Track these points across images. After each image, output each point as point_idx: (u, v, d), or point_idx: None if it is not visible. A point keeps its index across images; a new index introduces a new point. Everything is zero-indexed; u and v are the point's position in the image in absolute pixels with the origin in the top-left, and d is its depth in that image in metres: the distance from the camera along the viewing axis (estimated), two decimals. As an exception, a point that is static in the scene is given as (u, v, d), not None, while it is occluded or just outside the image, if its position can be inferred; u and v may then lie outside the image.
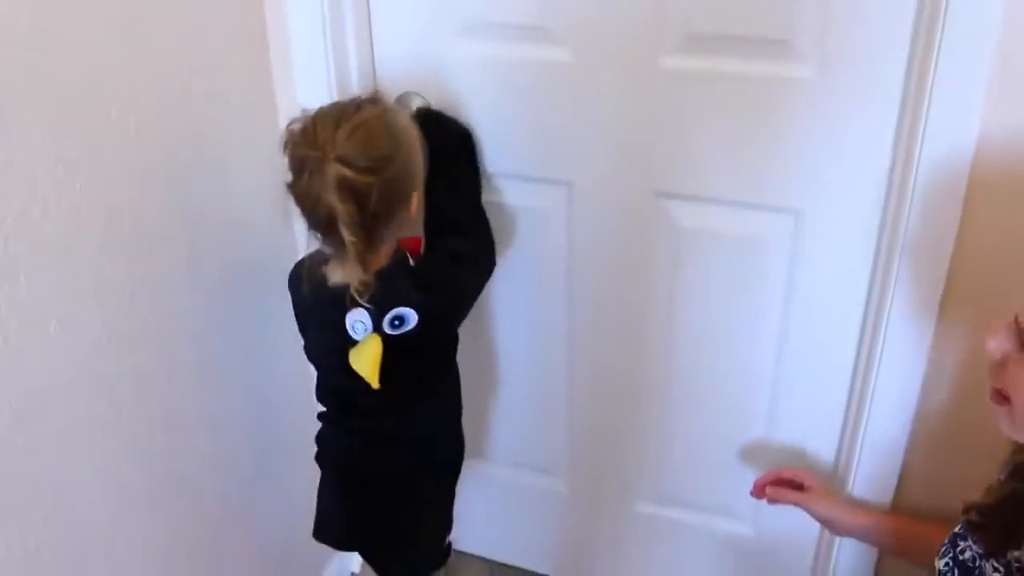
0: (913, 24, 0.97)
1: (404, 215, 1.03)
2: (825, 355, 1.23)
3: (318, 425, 1.23)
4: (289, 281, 1.16)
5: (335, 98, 1.15)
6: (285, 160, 1.00)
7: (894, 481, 1.20)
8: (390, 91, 1.22)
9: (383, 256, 1.06)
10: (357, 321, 1.07)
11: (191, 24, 1.07)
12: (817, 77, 1.04)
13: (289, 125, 1.00)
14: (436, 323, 1.11)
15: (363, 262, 0.99)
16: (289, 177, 1.00)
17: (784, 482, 1.20)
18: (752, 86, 1.08)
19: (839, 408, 1.25)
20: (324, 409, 1.22)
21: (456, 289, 1.15)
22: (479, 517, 1.58)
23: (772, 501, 1.19)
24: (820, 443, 1.30)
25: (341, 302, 1.04)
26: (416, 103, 1.23)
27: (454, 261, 1.13)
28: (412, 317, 1.07)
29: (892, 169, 1.06)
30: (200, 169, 1.13)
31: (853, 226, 1.12)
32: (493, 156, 1.25)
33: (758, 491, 1.21)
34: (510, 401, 1.49)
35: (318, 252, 1.06)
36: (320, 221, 0.99)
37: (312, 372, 1.20)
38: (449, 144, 1.19)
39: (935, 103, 0.96)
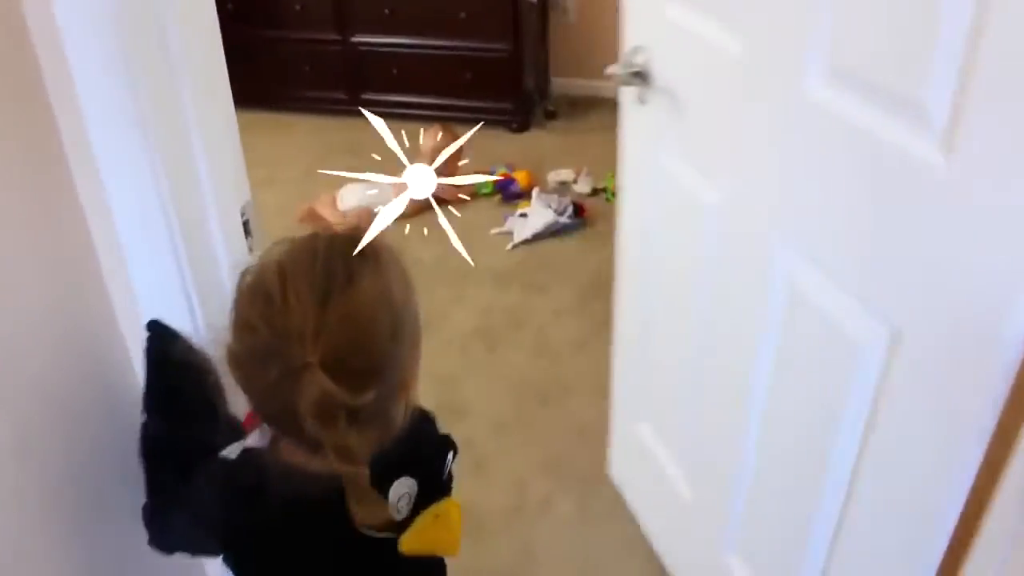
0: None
1: (402, 407, 0.80)
2: (903, 519, 0.99)
3: None
4: (223, 496, 0.83)
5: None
6: (230, 319, 0.75)
7: None
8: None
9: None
10: (402, 496, 0.83)
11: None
12: (946, 161, 0.81)
13: (244, 276, 0.76)
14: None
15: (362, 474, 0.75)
16: (233, 342, 0.75)
17: None
18: (880, 149, 0.90)
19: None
20: None
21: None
22: None
23: None
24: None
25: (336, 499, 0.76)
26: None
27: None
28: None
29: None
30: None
31: (966, 368, 0.85)
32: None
33: None
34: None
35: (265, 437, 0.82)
36: (285, 428, 0.77)
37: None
38: None
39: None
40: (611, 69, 1.35)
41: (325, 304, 0.70)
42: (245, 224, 1.07)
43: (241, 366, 0.75)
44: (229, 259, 1.04)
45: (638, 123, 1.47)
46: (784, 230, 1.08)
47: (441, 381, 2.31)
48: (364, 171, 3.49)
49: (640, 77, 1.33)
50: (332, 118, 3.78)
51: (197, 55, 0.97)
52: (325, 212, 3.00)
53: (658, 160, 1.41)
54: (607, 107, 3.84)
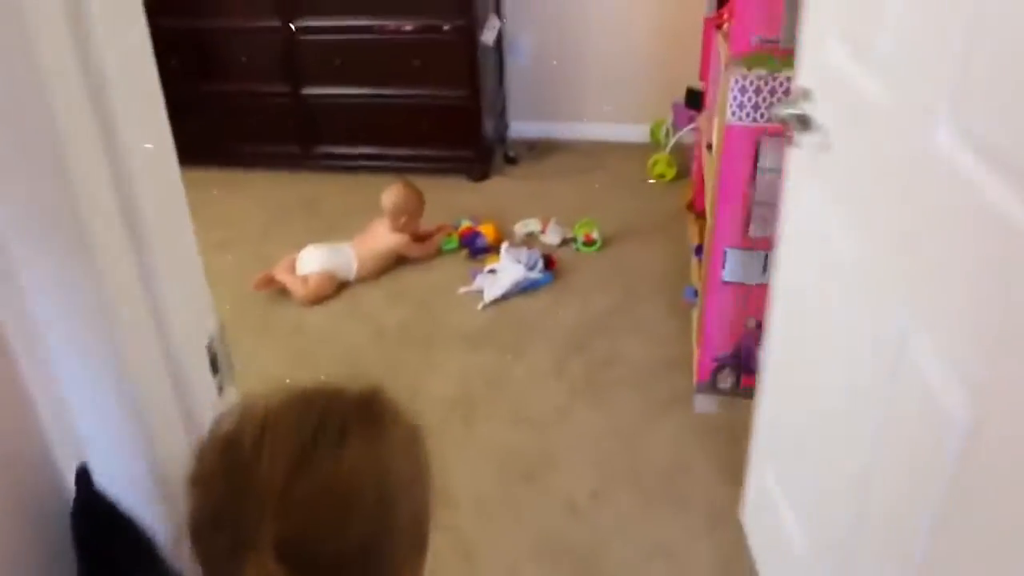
0: None
1: None
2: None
3: None
4: None
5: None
6: (191, 465, 0.65)
7: None
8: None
9: None
10: None
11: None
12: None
13: (220, 422, 0.67)
14: None
15: None
16: (187, 499, 0.65)
17: None
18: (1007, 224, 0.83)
19: None
20: None
21: None
22: None
23: None
24: None
25: None
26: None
27: None
28: None
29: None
30: None
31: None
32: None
33: None
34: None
35: None
36: None
37: None
38: None
39: None
40: (775, 109, 1.40)
41: (300, 469, 0.59)
42: (213, 360, 0.93)
43: (192, 528, 0.63)
44: (191, 405, 0.90)
45: (797, 166, 1.50)
46: (902, 292, 1.07)
47: (418, 462, 2.17)
48: (322, 229, 3.39)
49: (802, 121, 1.34)
50: (287, 173, 3.67)
51: (152, 170, 0.84)
52: (284, 277, 2.86)
53: (808, 206, 1.44)
54: (566, 150, 3.91)
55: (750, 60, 1.87)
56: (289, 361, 2.57)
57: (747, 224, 2.05)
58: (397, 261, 3.01)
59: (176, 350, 0.87)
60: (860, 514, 1.25)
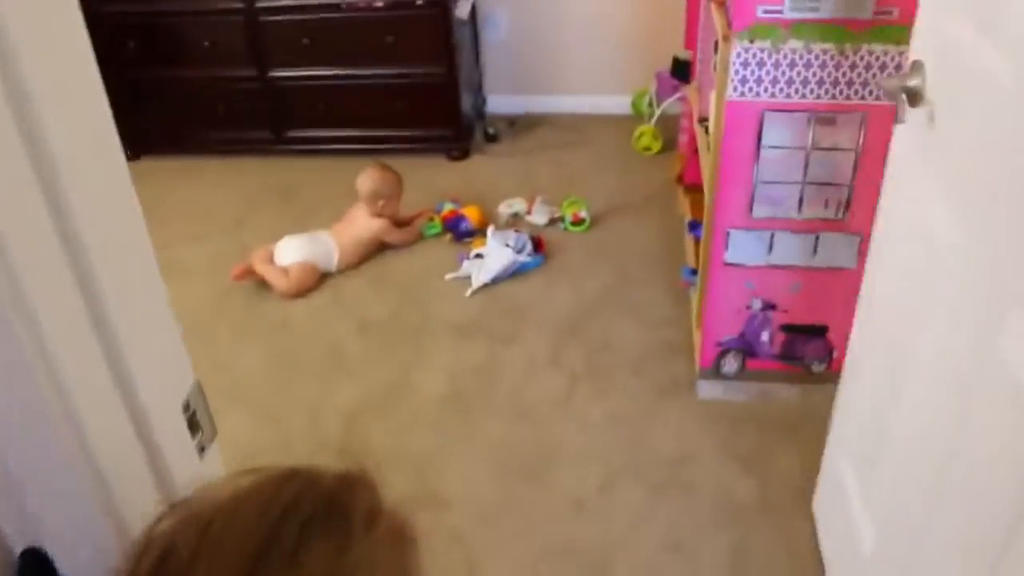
0: None
1: None
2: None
3: None
4: None
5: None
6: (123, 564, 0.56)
7: None
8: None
9: None
10: None
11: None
12: None
13: (161, 519, 0.56)
14: None
15: None
16: None
17: None
18: None
19: None
20: None
21: None
22: None
23: None
24: None
25: None
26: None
27: None
28: None
29: None
30: None
31: None
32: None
33: None
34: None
35: None
36: None
37: None
38: None
39: None
40: (885, 82, 1.32)
41: None
42: (191, 419, 0.83)
43: None
44: (167, 473, 0.79)
45: (900, 143, 1.42)
46: (1005, 278, 1.00)
47: (415, 466, 2.08)
48: (300, 216, 3.27)
49: (912, 95, 1.25)
50: (258, 159, 3.53)
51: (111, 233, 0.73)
52: (263, 269, 2.74)
53: (911, 185, 1.36)
54: (547, 125, 3.80)
55: (753, 32, 1.77)
56: (273, 360, 2.47)
57: (751, 204, 1.96)
58: (379, 248, 2.90)
59: (146, 413, 0.76)
60: (934, 509, 1.20)
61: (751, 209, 1.97)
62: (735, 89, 1.84)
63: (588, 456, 2.09)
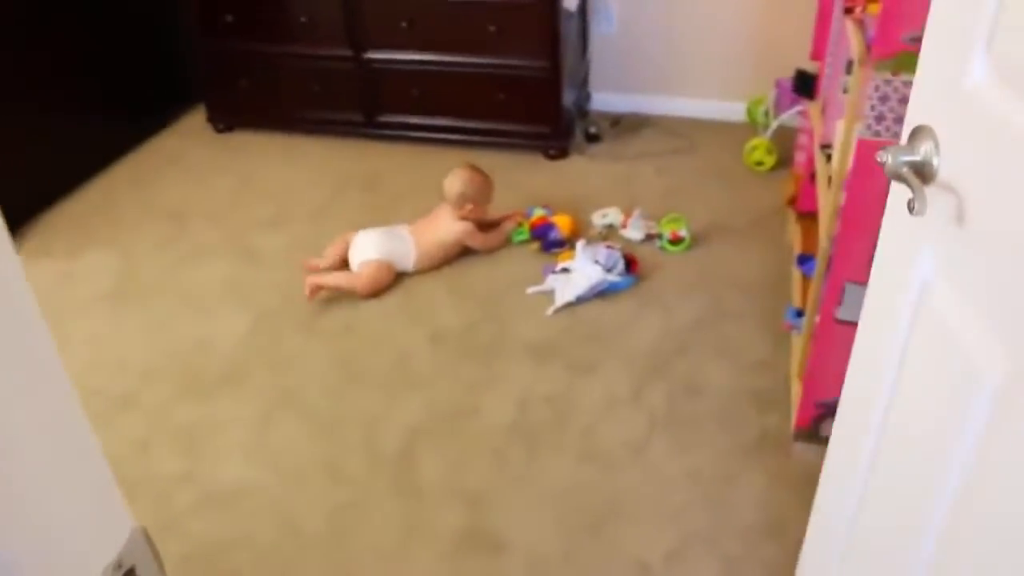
0: None
1: None
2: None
3: None
4: None
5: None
6: None
7: None
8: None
9: None
10: None
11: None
12: None
13: None
14: None
15: None
16: None
17: None
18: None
19: None
20: None
21: None
22: None
23: None
24: None
25: None
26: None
27: None
28: None
29: None
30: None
31: None
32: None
33: None
34: None
35: None
36: None
37: None
38: None
39: None
40: (882, 155, 0.92)
41: None
42: (126, 577, 0.68)
43: None
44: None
45: (898, 234, 1.06)
46: None
47: (470, 500, 1.94)
48: (382, 207, 3.16)
49: (918, 171, 0.91)
50: (347, 141, 3.45)
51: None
52: (335, 281, 2.62)
53: (918, 289, 0.99)
54: (653, 127, 3.61)
55: (897, 62, 1.53)
56: (336, 364, 2.36)
57: (872, 257, 1.72)
58: (460, 251, 2.76)
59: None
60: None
61: (871, 263, 1.73)
62: (869, 127, 1.61)
63: (660, 514, 1.91)
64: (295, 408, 2.21)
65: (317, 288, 2.59)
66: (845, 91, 2.10)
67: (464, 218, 2.73)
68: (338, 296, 2.62)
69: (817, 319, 1.92)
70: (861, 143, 1.63)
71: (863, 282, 1.75)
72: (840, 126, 1.90)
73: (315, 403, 2.23)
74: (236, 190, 3.20)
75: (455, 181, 2.72)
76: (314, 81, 3.37)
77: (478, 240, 2.75)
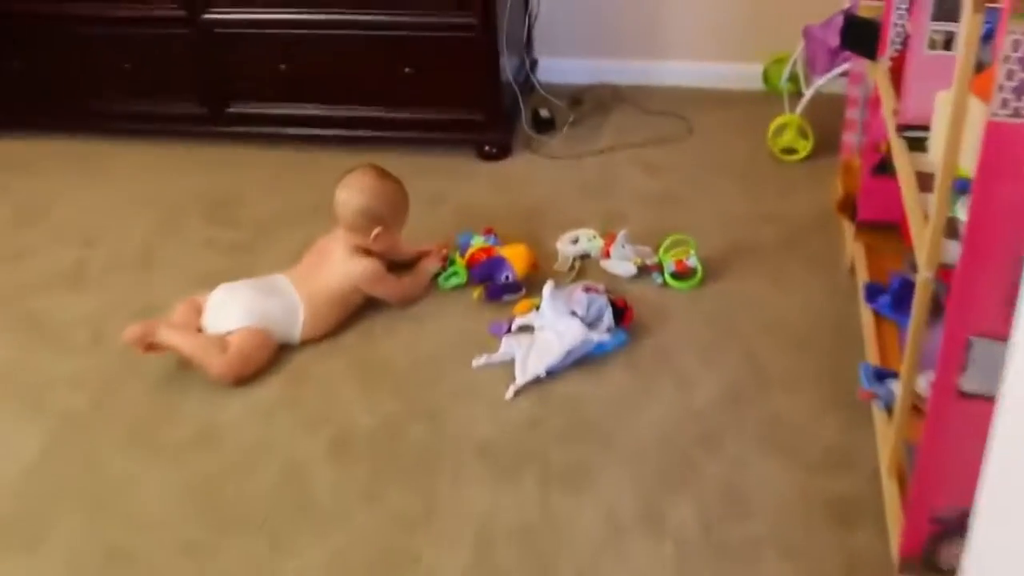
0: None
1: None
2: None
3: None
4: None
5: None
6: None
7: None
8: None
9: None
10: None
11: None
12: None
13: None
14: None
15: None
16: None
17: None
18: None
19: None
20: None
21: None
22: None
23: None
24: None
25: None
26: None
27: None
28: None
29: None
30: None
31: None
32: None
33: None
34: None
35: None
36: None
37: None
38: None
39: None
40: None
41: None
42: None
43: None
44: None
45: None
46: None
47: None
48: (240, 246, 2.97)
49: None
50: (183, 145, 3.48)
51: None
52: (180, 340, 2.51)
53: None
54: (632, 105, 3.69)
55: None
56: (192, 499, 2.21)
57: (1014, 298, 1.65)
58: (364, 304, 2.69)
59: None
60: None
61: (1012, 306, 1.66)
62: (1004, 104, 1.53)
63: None
64: (125, 571, 2.07)
65: (149, 345, 2.50)
66: (932, 46, 2.12)
67: (367, 252, 2.67)
68: (188, 382, 2.50)
69: (927, 390, 1.85)
70: (993, 128, 1.55)
71: (1001, 336, 1.69)
72: (940, 99, 1.88)
73: (155, 561, 2.08)
74: (8, 226, 3.14)
75: (353, 193, 2.66)
76: (126, 56, 3.37)
77: (389, 286, 2.70)
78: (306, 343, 2.62)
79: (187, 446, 2.35)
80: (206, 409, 2.43)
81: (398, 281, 2.71)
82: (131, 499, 2.21)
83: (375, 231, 2.65)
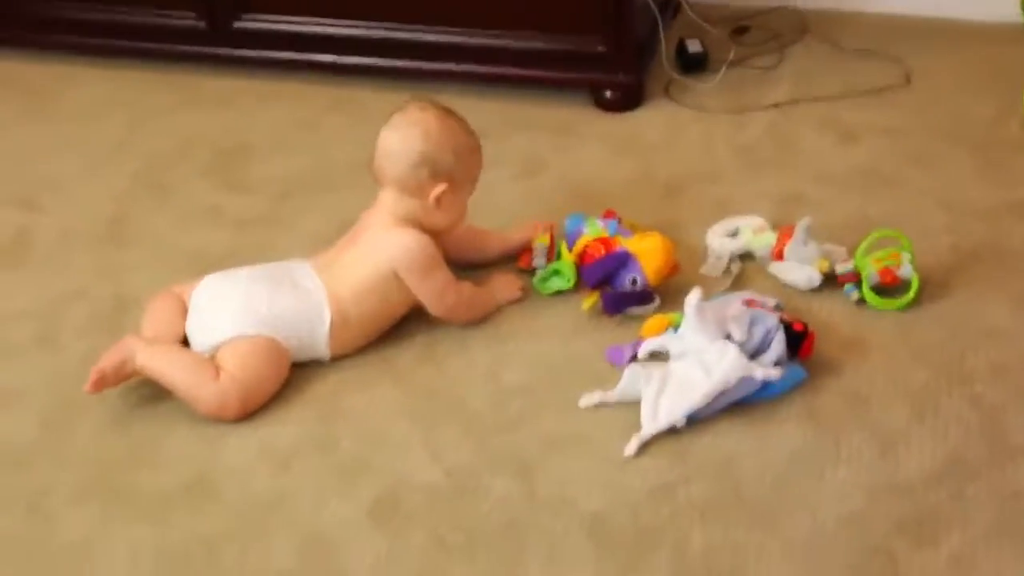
0: None
1: None
2: None
3: None
4: None
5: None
6: None
7: None
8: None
9: None
10: None
11: None
12: None
13: None
14: None
15: None
16: None
17: None
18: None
19: None
20: None
21: None
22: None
23: None
24: None
25: None
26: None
27: None
28: None
29: None
30: None
31: None
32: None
33: None
34: None
35: None
36: None
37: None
38: None
39: None
40: None
41: None
42: None
43: None
44: None
45: None
46: None
47: None
48: (257, 219, 3.08)
49: None
50: (174, 70, 3.59)
51: None
52: (155, 361, 2.56)
53: None
54: (820, 39, 3.68)
55: None
56: None
57: None
58: (421, 307, 2.73)
59: None
60: None
61: None
62: None
63: None
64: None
65: (104, 376, 2.52)
66: None
67: (419, 225, 2.69)
68: (171, 409, 2.56)
69: None
70: None
71: None
72: None
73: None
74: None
75: (404, 136, 2.67)
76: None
77: (439, 282, 2.72)
78: (338, 359, 2.66)
79: (170, 499, 2.39)
80: (198, 448, 2.48)
81: (455, 281, 2.72)
82: (89, 571, 2.27)
83: (436, 189, 2.65)
